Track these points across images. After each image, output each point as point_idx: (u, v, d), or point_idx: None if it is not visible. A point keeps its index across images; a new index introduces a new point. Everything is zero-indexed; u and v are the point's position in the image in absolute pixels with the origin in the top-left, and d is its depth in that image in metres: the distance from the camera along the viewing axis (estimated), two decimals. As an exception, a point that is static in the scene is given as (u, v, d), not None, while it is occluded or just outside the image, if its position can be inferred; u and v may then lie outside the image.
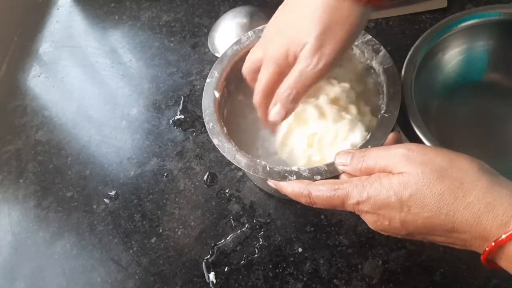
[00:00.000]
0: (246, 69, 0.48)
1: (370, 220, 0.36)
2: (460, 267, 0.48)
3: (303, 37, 0.40)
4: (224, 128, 0.48)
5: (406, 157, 0.34)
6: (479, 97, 0.56)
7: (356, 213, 0.37)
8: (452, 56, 0.55)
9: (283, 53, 0.42)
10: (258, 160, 0.44)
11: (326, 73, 0.42)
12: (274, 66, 0.43)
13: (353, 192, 0.36)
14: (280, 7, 0.45)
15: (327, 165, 0.42)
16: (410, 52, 0.50)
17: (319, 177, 0.41)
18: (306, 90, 0.42)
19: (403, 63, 0.49)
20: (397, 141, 0.42)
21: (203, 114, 0.49)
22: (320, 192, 0.38)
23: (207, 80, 0.51)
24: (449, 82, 0.56)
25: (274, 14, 0.46)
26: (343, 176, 0.40)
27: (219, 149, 0.46)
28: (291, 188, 0.41)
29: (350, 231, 0.52)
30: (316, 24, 0.40)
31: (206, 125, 0.48)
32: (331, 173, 0.41)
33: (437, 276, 0.48)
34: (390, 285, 0.48)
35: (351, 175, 0.38)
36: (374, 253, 0.50)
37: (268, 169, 0.43)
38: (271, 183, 0.43)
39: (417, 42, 0.51)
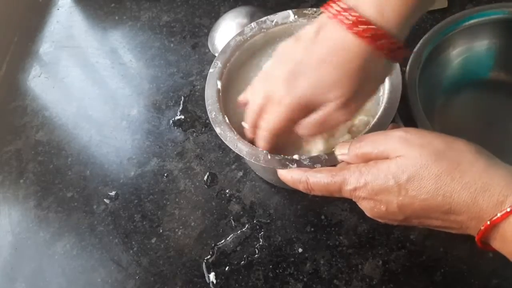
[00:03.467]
0: (249, 115, 0.44)
1: (366, 207, 0.37)
2: (460, 267, 0.48)
3: (333, 90, 0.37)
4: (226, 117, 0.48)
5: (404, 139, 0.34)
6: (484, 95, 0.56)
7: (353, 199, 0.37)
8: (458, 54, 0.55)
9: (302, 103, 0.39)
10: (259, 149, 0.44)
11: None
12: (289, 111, 0.40)
13: (351, 178, 0.36)
14: (291, 45, 0.40)
15: (328, 154, 0.42)
16: (415, 49, 0.50)
17: (319, 165, 0.42)
18: (318, 133, 0.42)
19: (404, 62, 0.49)
20: None
21: (206, 104, 0.49)
22: (317, 178, 0.38)
23: (210, 70, 0.51)
24: (454, 80, 0.56)
25: (282, 50, 0.41)
26: (341, 165, 0.40)
27: (221, 138, 0.46)
28: (290, 175, 0.41)
29: (350, 232, 0.52)
30: (352, 80, 0.37)
31: (209, 114, 0.48)
32: (332, 162, 0.41)
33: (437, 277, 0.48)
34: (391, 285, 0.48)
35: (350, 163, 0.38)
36: (374, 253, 0.50)
37: (269, 157, 0.44)
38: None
39: (422, 39, 0.50)
